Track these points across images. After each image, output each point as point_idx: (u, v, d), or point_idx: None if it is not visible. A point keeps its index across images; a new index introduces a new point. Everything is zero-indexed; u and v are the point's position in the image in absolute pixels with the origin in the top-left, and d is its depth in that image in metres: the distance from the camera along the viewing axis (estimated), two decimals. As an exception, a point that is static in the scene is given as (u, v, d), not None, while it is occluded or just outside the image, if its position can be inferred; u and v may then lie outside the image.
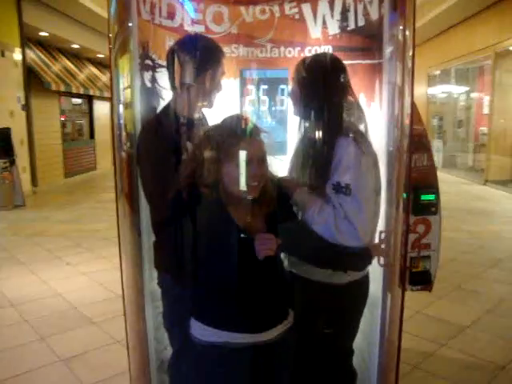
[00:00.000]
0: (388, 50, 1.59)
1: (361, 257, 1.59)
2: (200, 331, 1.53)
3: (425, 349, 3.08)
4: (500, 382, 2.74)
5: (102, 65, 14.72)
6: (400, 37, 1.51)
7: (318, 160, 1.56)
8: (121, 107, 1.64)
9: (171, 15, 1.89)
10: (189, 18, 1.92)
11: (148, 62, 1.80)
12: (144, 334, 1.72)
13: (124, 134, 1.63)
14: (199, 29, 1.96)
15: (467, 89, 13.10)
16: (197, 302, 1.55)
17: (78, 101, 13.49)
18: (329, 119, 1.56)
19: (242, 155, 1.38)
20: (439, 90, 13.90)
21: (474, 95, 12.79)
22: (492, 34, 9.79)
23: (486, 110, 11.49)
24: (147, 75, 1.81)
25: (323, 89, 1.59)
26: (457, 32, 11.16)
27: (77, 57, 13.16)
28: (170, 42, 1.93)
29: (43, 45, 11.24)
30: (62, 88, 10.71)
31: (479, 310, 3.70)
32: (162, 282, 1.79)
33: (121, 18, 1.62)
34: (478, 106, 12.37)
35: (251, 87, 2.09)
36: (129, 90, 1.67)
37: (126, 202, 1.63)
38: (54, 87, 10.29)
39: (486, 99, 11.34)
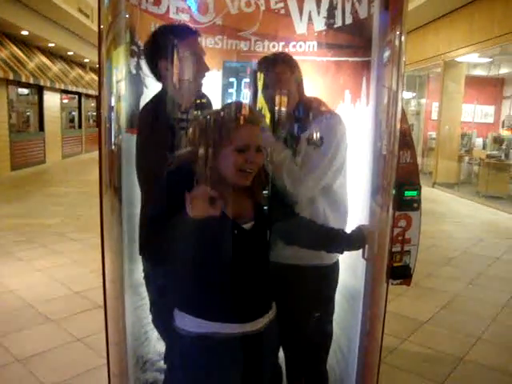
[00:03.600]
0: (385, 53, 1.62)
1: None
2: (187, 323, 1.49)
3: (388, 344, 3.16)
4: (460, 372, 2.86)
5: (52, 54, 14.12)
6: (396, 42, 1.53)
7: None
8: (113, 100, 1.58)
9: (157, 2, 1.84)
10: (174, 6, 1.88)
11: (133, 47, 1.74)
12: (125, 330, 1.66)
13: (116, 126, 1.57)
14: (184, 17, 1.92)
15: (416, 95, 13.61)
16: (185, 294, 1.52)
17: (27, 91, 12.86)
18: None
19: (240, 141, 1.38)
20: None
21: (423, 101, 13.31)
22: (442, 44, 10.24)
23: (434, 116, 12.02)
24: (132, 62, 1.75)
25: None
26: (410, 39, 11.57)
27: (25, 44, 12.54)
28: (154, 29, 1.87)
29: (-12, 29, 10.66)
30: (11, 76, 10.18)
31: (436, 306, 3.85)
32: (148, 274, 1.73)
33: (115, 7, 1.56)
34: (427, 112, 12.91)
35: (233, 80, 2.08)
36: (122, 83, 1.61)
37: (114, 196, 1.58)
38: (1, 75, 9.77)
39: (435, 105, 11.85)
